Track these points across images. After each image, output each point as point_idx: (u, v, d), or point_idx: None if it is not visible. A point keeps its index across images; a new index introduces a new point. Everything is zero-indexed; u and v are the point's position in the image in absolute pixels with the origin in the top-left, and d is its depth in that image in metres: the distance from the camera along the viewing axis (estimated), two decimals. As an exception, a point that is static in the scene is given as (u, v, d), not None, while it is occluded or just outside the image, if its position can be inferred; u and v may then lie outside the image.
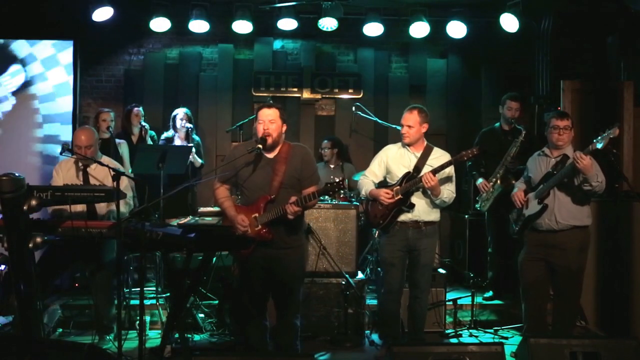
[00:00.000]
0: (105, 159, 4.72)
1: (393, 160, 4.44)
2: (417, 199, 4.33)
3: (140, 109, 6.21)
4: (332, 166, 6.40)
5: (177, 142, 6.10)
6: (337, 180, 3.82)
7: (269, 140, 3.85)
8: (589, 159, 4.01)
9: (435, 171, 4.19)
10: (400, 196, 4.28)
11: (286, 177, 3.89)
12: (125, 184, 4.53)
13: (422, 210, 4.33)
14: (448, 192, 4.33)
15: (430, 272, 4.55)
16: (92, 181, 4.61)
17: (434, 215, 4.41)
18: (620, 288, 4.98)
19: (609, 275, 5.10)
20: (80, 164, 4.68)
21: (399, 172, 4.38)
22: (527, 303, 4.51)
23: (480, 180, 5.51)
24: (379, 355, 4.51)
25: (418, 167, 4.34)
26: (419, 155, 4.39)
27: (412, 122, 4.36)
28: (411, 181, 4.28)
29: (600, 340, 3.69)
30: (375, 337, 4.90)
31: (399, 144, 4.52)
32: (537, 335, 3.92)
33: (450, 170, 4.36)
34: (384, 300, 4.52)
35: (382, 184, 4.44)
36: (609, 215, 5.09)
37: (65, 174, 4.69)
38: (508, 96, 5.60)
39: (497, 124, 5.74)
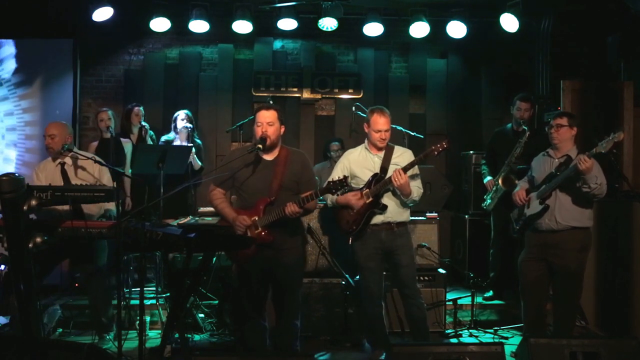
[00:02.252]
0: (80, 153, 4.78)
1: (356, 165, 4.37)
2: (388, 200, 4.27)
3: (141, 108, 6.20)
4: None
5: (178, 144, 6.08)
6: (339, 177, 3.82)
7: (268, 142, 3.85)
8: (591, 161, 4.00)
9: (405, 169, 4.13)
10: (371, 198, 4.22)
11: (285, 180, 3.89)
12: (107, 177, 4.62)
13: (394, 211, 4.28)
14: (417, 189, 4.29)
15: (414, 271, 4.45)
16: (73, 179, 4.65)
17: (405, 216, 4.37)
18: (620, 288, 4.98)
19: (609, 275, 5.10)
20: (57, 163, 4.73)
21: (364, 176, 4.31)
22: (526, 303, 4.51)
23: (487, 179, 5.58)
24: (371, 358, 4.50)
25: (384, 168, 4.28)
26: (382, 156, 4.33)
27: (388, 125, 4.31)
28: (380, 182, 4.22)
29: (600, 340, 3.68)
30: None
31: (360, 147, 4.46)
32: (537, 335, 3.93)
33: (415, 167, 4.30)
34: (367, 307, 4.43)
35: (347, 190, 4.33)
36: (609, 215, 5.09)
37: (46, 175, 4.72)
38: (518, 97, 5.60)
39: (509, 125, 5.75)
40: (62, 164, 4.71)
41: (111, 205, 4.57)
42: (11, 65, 6.62)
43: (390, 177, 4.14)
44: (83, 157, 4.52)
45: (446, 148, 4.21)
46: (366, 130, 4.38)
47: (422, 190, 4.37)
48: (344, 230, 4.38)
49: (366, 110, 6.49)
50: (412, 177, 4.28)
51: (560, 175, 4.23)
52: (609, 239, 5.08)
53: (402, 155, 4.35)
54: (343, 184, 3.78)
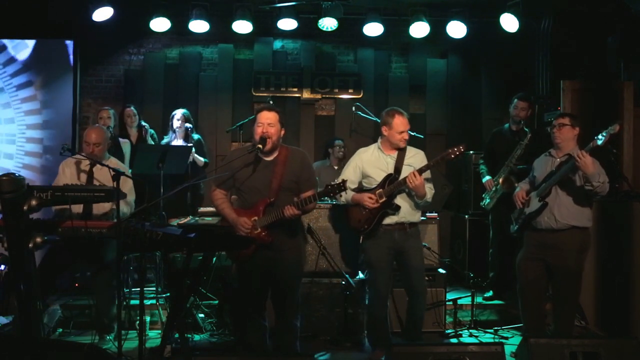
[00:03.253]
0: (112, 161, 4.72)
1: (369, 165, 4.36)
2: (401, 201, 4.28)
3: (132, 108, 6.16)
4: (336, 167, 6.40)
5: (177, 144, 6.08)
6: (338, 181, 3.82)
7: (269, 142, 3.85)
8: (589, 156, 4.01)
9: (421, 171, 4.14)
10: (384, 199, 4.22)
11: (285, 180, 3.89)
12: (130, 186, 4.54)
13: (407, 211, 4.29)
14: (430, 190, 4.30)
15: (423, 273, 4.45)
16: (98, 181, 4.62)
17: (417, 216, 4.39)
18: (620, 288, 4.98)
19: (609, 276, 5.10)
20: (85, 164, 4.69)
21: (377, 176, 4.30)
22: (524, 302, 4.51)
23: (486, 178, 5.59)
24: (371, 357, 4.50)
25: (398, 169, 4.28)
26: (395, 156, 4.33)
27: (409, 125, 4.33)
28: (394, 183, 4.22)
29: (600, 340, 3.69)
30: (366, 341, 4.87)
31: (372, 147, 4.46)
32: (537, 335, 3.93)
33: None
34: (372, 306, 4.43)
35: (359, 189, 4.36)
36: (608, 215, 5.09)
37: (71, 172, 4.70)
38: (516, 96, 5.60)
39: (507, 125, 5.75)
40: (92, 165, 4.66)
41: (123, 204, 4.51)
42: (11, 64, 6.62)
43: (405, 178, 4.15)
44: (105, 166, 4.33)
45: (462, 152, 4.22)
46: (385, 132, 4.34)
47: (434, 191, 4.39)
48: (355, 228, 4.39)
49: (366, 110, 6.57)
50: (425, 178, 4.29)
51: (559, 171, 4.24)
52: (608, 239, 5.08)
53: (415, 156, 4.36)
54: (341, 188, 3.79)
